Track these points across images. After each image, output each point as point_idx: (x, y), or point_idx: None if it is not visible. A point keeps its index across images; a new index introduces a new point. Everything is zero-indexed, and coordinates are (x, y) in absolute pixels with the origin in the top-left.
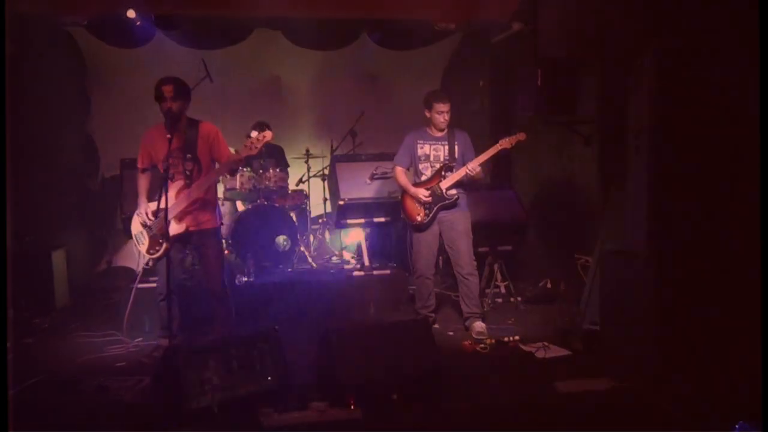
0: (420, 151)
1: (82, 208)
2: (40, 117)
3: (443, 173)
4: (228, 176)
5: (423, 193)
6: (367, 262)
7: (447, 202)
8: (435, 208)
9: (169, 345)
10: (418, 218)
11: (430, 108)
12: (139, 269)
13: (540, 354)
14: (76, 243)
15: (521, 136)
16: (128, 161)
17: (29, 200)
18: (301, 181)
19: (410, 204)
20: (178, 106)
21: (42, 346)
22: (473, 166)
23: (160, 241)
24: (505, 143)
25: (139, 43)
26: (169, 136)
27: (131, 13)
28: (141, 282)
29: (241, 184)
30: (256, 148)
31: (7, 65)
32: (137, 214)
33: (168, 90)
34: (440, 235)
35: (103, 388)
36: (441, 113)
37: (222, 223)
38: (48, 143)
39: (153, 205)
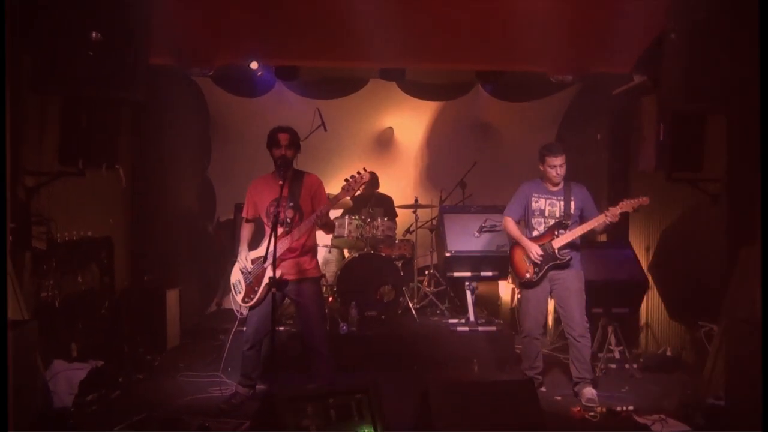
0: (534, 205)
1: (197, 250)
2: (166, 161)
3: (557, 232)
4: (324, 232)
5: (536, 251)
6: (472, 317)
7: (558, 262)
8: (545, 268)
9: (268, 391)
10: (527, 275)
11: (542, 162)
12: (239, 315)
13: (656, 428)
14: (189, 284)
15: (644, 201)
16: (242, 206)
17: (150, 240)
18: (408, 231)
19: (519, 259)
20: (291, 154)
21: (151, 383)
22: (588, 228)
23: (256, 289)
24: (626, 206)
25: (259, 93)
26: (281, 182)
27: (254, 65)
28: (240, 326)
29: (349, 232)
30: (354, 190)
31: (137, 114)
32: (237, 262)
33: (284, 138)
34: (551, 293)
35: (204, 428)
36: (554, 167)
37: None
38: (171, 186)
39: (252, 254)
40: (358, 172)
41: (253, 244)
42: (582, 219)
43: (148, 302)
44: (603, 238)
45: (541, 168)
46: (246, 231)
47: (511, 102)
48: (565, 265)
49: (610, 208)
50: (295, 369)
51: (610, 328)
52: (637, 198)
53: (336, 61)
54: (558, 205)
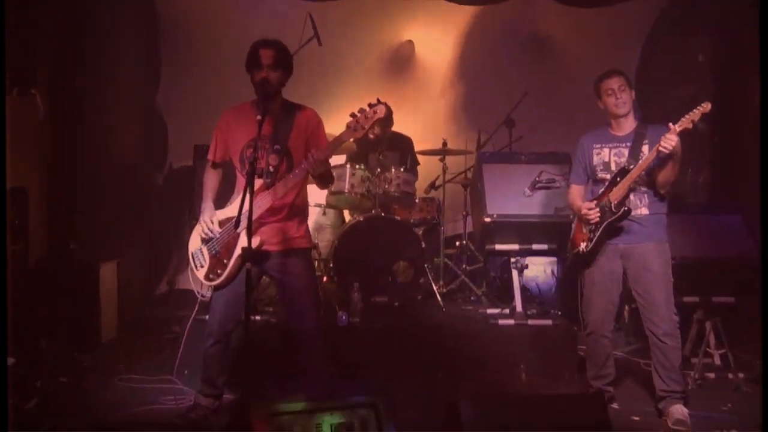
0: (596, 159)
1: (142, 207)
2: (94, 85)
3: (618, 179)
4: (318, 185)
5: (587, 207)
6: (519, 307)
7: (614, 217)
8: (600, 229)
9: (239, 402)
10: (582, 245)
11: (598, 93)
12: (200, 297)
13: None
14: (131, 255)
15: (705, 107)
16: (205, 148)
17: (76, 196)
18: (433, 186)
19: (577, 228)
20: (276, 79)
21: (79, 389)
22: (645, 164)
23: (225, 262)
24: (685, 122)
25: None
26: (259, 117)
27: None
28: (201, 313)
29: (352, 186)
30: (362, 128)
31: (60, 15)
32: (198, 224)
33: (267, 55)
34: (624, 275)
35: None
36: (611, 93)
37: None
38: (107, 119)
39: (221, 214)
40: (370, 105)
41: (221, 201)
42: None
43: (75, 279)
44: (701, 197)
45: (601, 105)
46: (211, 180)
47: (579, 7)
48: (621, 219)
49: (669, 125)
50: (276, 372)
51: (709, 323)
52: (696, 108)
53: None
54: (626, 153)
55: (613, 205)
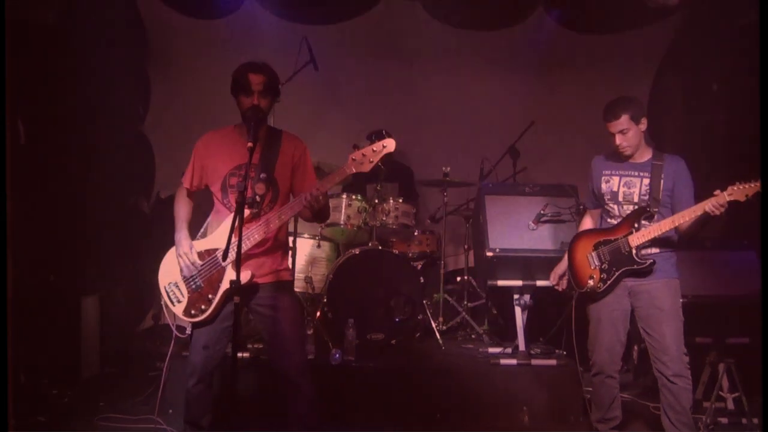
0: (605, 186)
1: (127, 238)
2: (84, 110)
3: (636, 223)
4: (313, 219)
5: (556, 279)
6: (522, 346)
7: (636, 267)
8: (616, 274)
9: None
10: (590, 283)
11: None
12: (176, 334)
13: None
14: (115, 288)
15: (756, 186)
16: None
17: (59, 222)
18: (433, 219)
19: (581, 260)
20: (266, 104)
21: (57, 428)
22: (681, 221)
23: (210, 297)
24: (737, 192)
25: (221, 13)
26: (250, 144)
27: None
28: (185, 349)
29: (347, 217)
30: (370, 162)
31: (45, 38)
32: (172, 253)
33: (257, 81)
34: (632, 312)
35: None
36: (613, 135)
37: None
38: (91, 146)
39: (199, 245)
40: (375, 137)
41: (195, 230)
42: (672, 207)
43: (54, 313)
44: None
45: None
46: (185, 208)
47: (587, 35)
48: (646, 271)
49: (718, 193)
50: (264, 413)
51: (722, 365)
52: (752, 182)
53: None
54: (638, 184)
55: (634, 251)
